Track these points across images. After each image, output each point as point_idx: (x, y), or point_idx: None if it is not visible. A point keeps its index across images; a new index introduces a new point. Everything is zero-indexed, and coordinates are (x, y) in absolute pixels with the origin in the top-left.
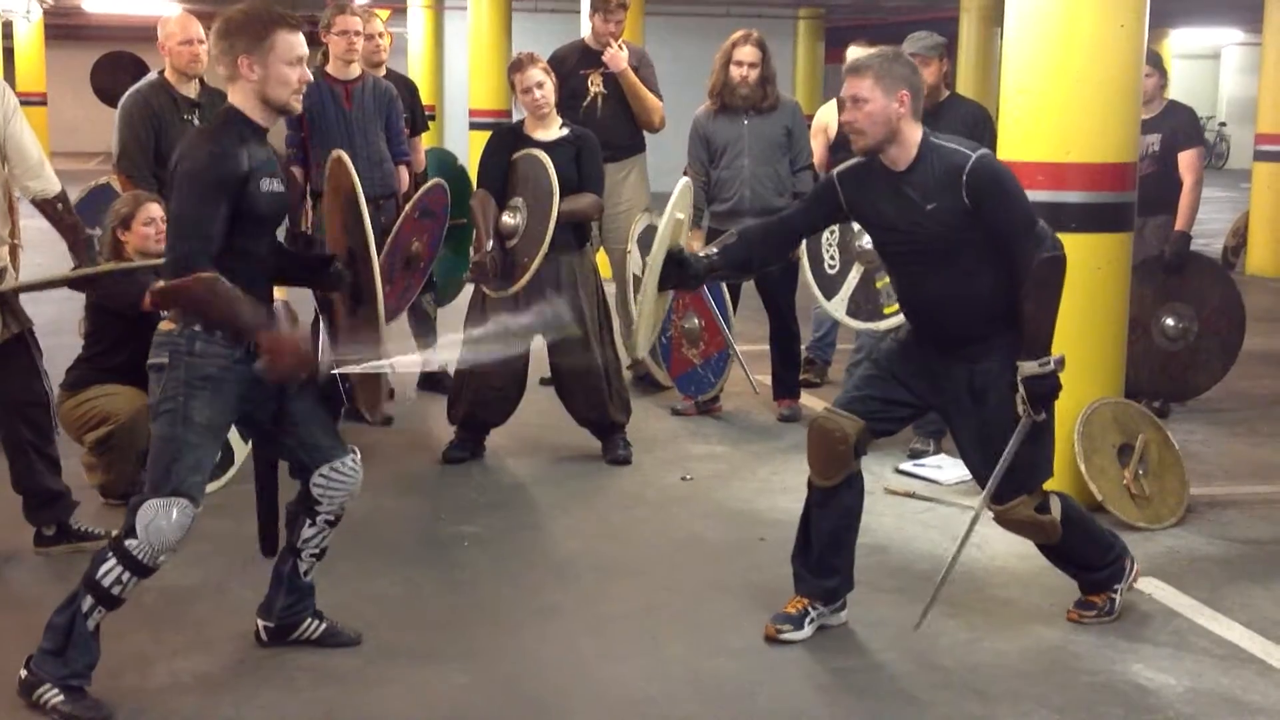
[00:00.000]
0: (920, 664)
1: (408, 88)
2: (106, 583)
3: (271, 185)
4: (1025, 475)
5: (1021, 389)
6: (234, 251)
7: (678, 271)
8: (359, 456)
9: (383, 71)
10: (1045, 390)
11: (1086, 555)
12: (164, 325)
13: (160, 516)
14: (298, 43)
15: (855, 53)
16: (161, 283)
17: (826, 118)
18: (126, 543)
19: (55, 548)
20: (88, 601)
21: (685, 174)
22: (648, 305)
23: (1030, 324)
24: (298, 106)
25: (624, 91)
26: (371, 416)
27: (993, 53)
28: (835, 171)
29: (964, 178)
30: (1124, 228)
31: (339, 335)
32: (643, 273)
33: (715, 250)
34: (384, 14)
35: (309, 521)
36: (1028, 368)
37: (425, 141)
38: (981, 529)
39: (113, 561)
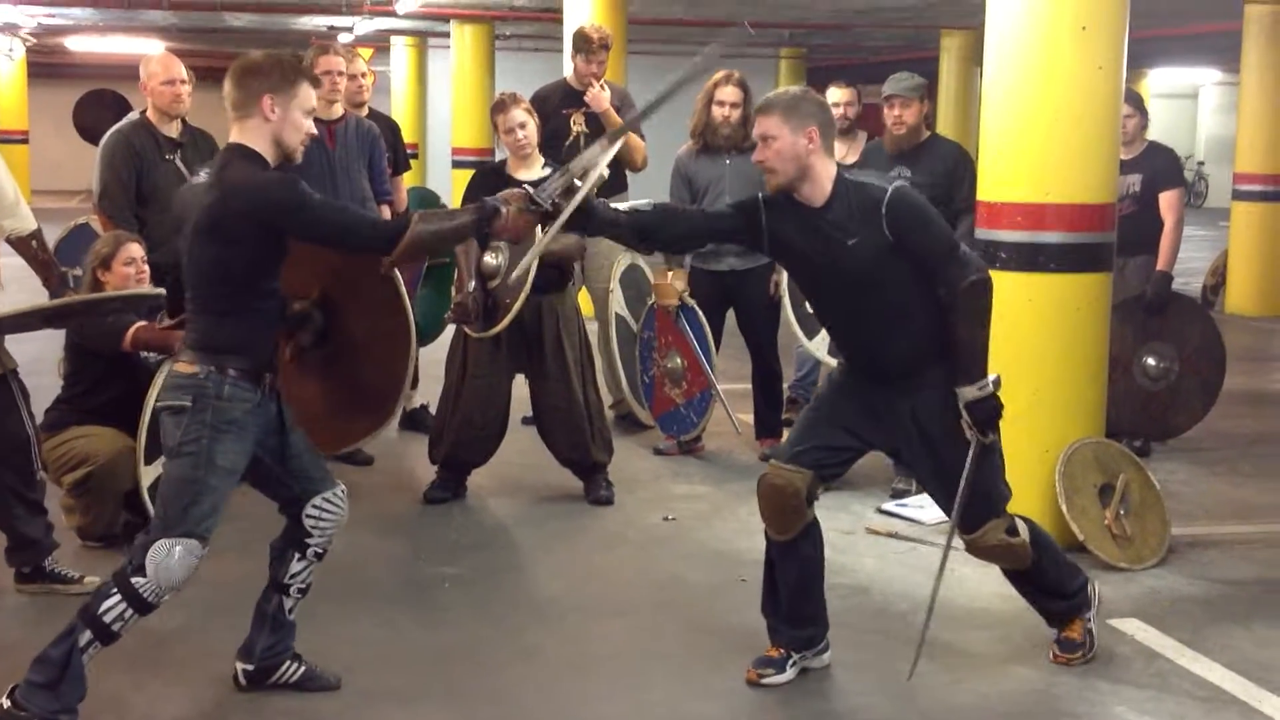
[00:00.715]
0: (902, 706)
1: (389, 127)
2: (108, 619)
3: None
4: (987, 500)
5: (965, 414)
6: (257, 290)
7: (580, 215)
8: (345, 489)
9: (365, 111)
10: (988, 412)
11: (1058, 579)
12: (184, 367)
13: (171, 555)
14: (313, 96)
15: (835, 94)
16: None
17: None
18: (134, 580)
19: (29, 586)
20: (86, 636)
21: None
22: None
23: (963, 349)
24: (299, 157)
25: (606, 131)
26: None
27: (973, 93)
28: (763, 195)
29: (883, 210)
30: (1103, 268)
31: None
32: (629, 310)
33: (624, 208)
34: (367, 53)
35: (298, 555)
36: (967, 393)
37: (407, 180)
38: (960, 569)
39: (117, 598)
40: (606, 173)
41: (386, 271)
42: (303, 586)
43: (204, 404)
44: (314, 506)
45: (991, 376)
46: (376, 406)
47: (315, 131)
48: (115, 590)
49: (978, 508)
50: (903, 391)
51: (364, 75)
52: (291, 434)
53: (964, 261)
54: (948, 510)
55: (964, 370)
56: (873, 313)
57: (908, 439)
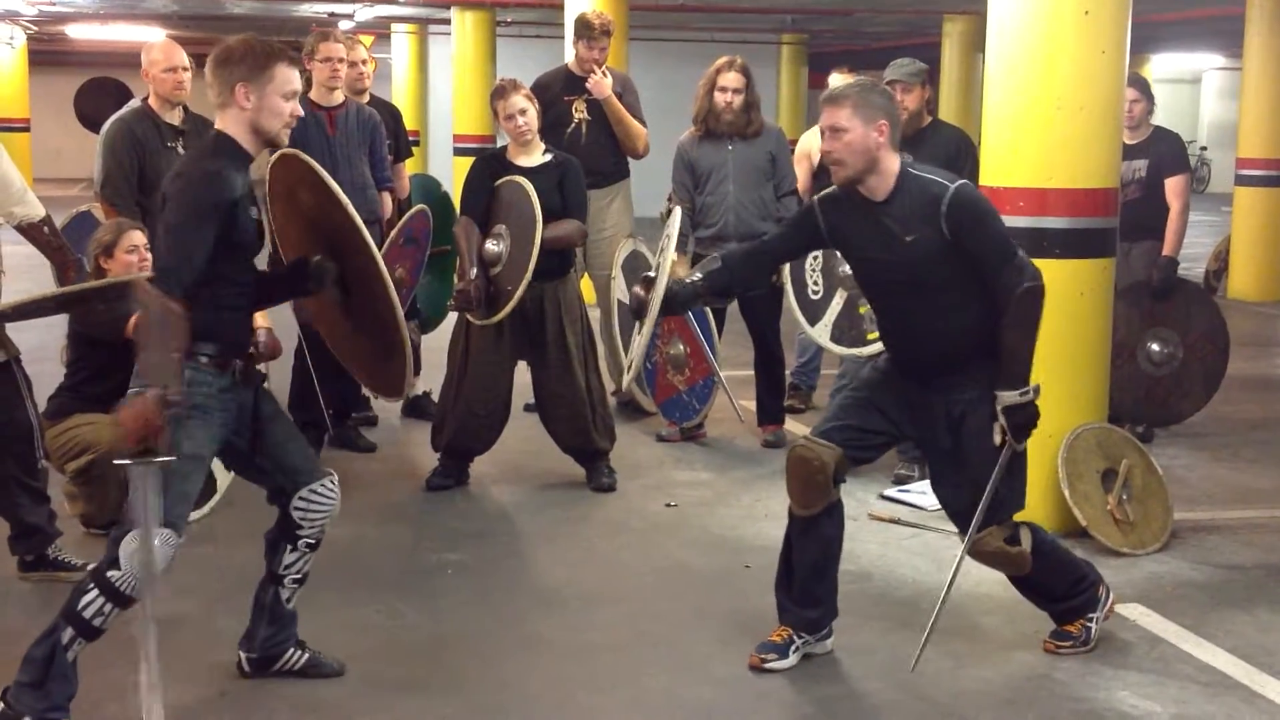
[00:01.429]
0: (905, 692)
1: (391, 113)
2: (88, 614)
3: (253, 213)
4: (996, 507)
5: (1002, 418)
6: (222, 279)
7: (665, 302)
8: (336, 479)
9: (366, 98)
10: (1025, 419)
11: (1056, 586)
12: None
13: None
14: (294, 77)
15: (837, 80)
16: (146, 280)
17: (810, 144)
18: (109, 574)
19: (32, 574)
20: (68, 633)
21: (669, 200)
22: (644, 341)
23: (1010, 354)
24: (285, 139)
25: (608, 118)
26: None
27: (975, 78)
28: (816, 198)
29: (943, 208)
30: (1106, 253)
31: (337, 340)
32: (628, 293)
33: (699, 275)
34: (368, 40)
35: (290, 547)
36: (1007, 397)
37: (409, 168)
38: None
39: (94, 593)
40: (671, 258)
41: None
42: (298, 577)
43: None
44: (300, 499)
45: (1033, 385)
46: (394, 338)
47: (300, 112)
48: (92, 585)
49: (984, 512)
50: (941, 388)
51: (365, 62)
52: (272, 424)
53: (1020, 267)
54: (950, 509)
55: (1007, 375)
56: (921, 309)
57: (934, 432)
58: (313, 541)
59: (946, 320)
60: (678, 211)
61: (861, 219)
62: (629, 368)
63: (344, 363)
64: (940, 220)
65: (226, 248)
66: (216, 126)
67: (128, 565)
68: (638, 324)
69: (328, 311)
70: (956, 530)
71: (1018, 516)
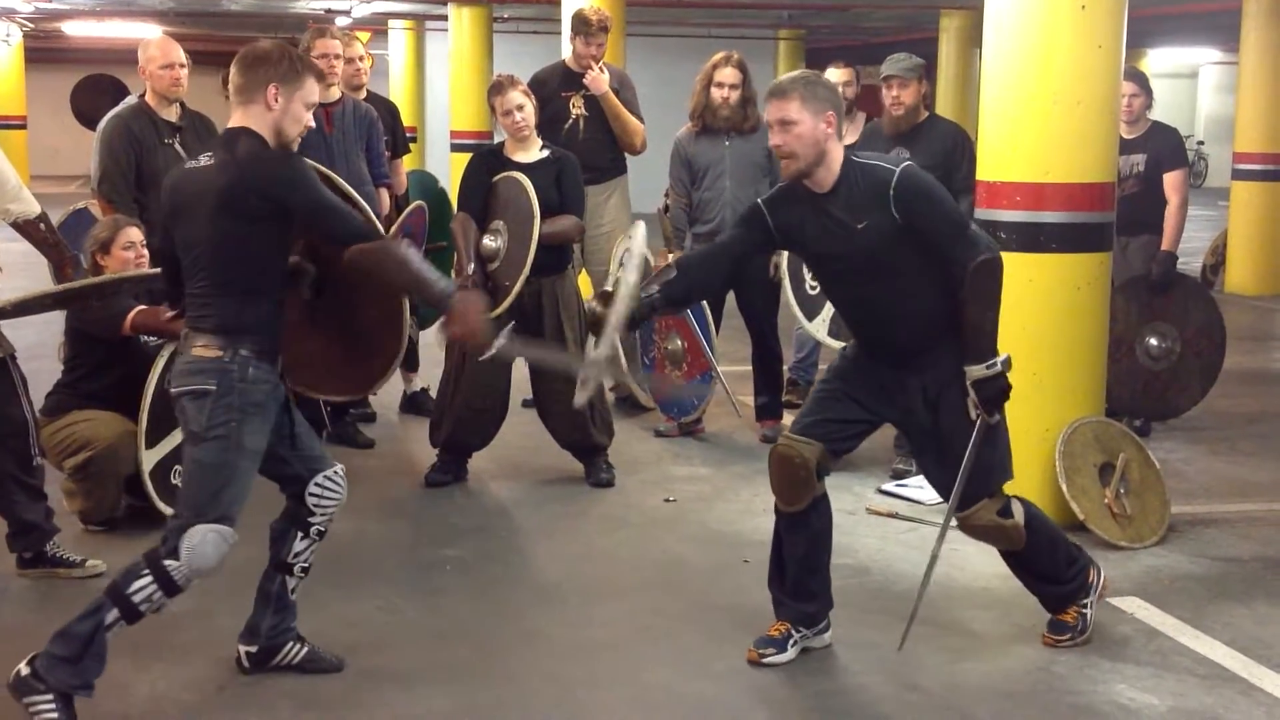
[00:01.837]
0: (903, 686)
1: (388, 109)
2: (137, 599)
3: None
4: (983, 478)
5: (972, 393)
6: (277, 271)
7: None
8: (344, 469)
9: (363, 94)
10: (995, 391)
11: (1052, 564)
12: (203, 351)
13: (206, 541)
14: (317, 91)
15: (833, 75)
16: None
17: None
18: (166, 563)
19: (31, 570)
20: (113, 614)
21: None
22: (600, 357)
23: (972, 328)
24: (295, 148)
25: (605, 114)
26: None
27: (972, 73)
28: (761, 199)
29: (891, 191)
30: (1103, 247)
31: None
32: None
33: (656, 289)
34: (364, 36)
35: (301, 534)
36: (975, 371)
37: (406, 164)
38: (962, 549)
39: (149, 579)
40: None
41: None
42: (305, 565)
43: (229, 387)
44: (316, 485)
45: (1001, 356)
46: (387, 340)
47: (313, 124)
48: (147, 571)
49: (972, 486)
50: (914, 369)
51: (361, 59)
52: (293, 414)
53: (973, 241)
54: (941, 488)
55: (973, 349)
56: (882, 295)
57: (915, 414)
58: (322, 529)
59: (907, 304)
60: (640, 229)
61: (809, 213)
62: (581, 384)
63: (293, 368)
64: (890, 203)
65: (285, 236)
66: (235, 123)
67: (187, 557)
68: (592, 339)
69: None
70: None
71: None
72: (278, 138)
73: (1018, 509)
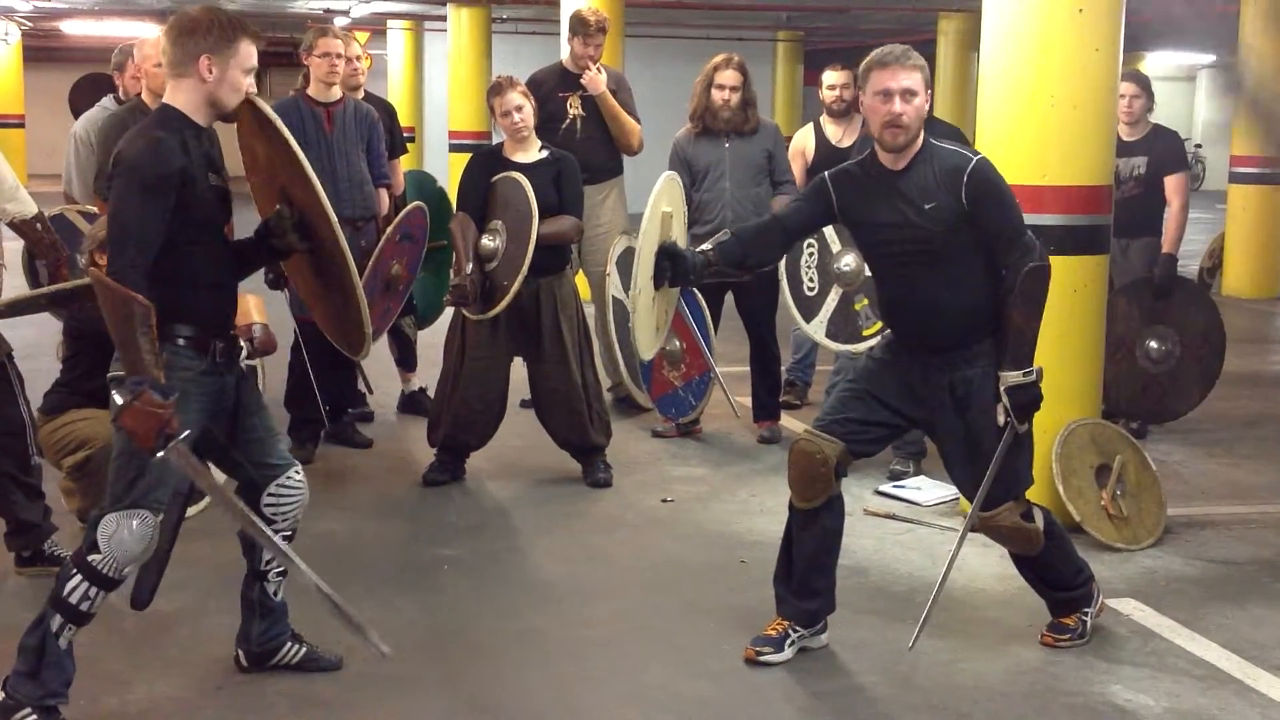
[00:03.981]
0: (901, 686)
1: (385, 110)
2: (74, 600)
3: (217, 181)
4: (1010, 482)
5: (1005, 399)
6: (189, 254)
7: (672, 266)
8: (301, 467)
9: (361, 94)
10: (1027, 400)
11: (1062, 572)
12: None
13: (122, 529)
14: (254, 53)
15: (831, 76)
16: (102, 274)
17: (804, 141)
18: (90, 558)
19: (29, 569)
20: (56, 620)
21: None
22: (643, 300)
23: (1016, 332)
24: (236, 114)
25: (602, 114)
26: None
27: (970, 76)
28: (828, 173)
29: (965, 178)
30: (1101, 250)
31: (314, 301)
32: (625, 290)
33: (710, 246)
34: (363, 36)
35: None
36: (1011, 377)
37: (404, 164)
38: (962, 550)
39: (78, 578)
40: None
41: None
42: (280, 570)
43: None
44: (270, 494)
45: (1036, 367)
46: (355, 316)
47: (253, 88)
48: (75, 570)
49: (999, 488)
50: (945, 365)
51: (359, 59)
52: (252, 417)
53: (1029, 246)
54: (965, 490)
55: (1012, 354)
56: (932, 280)
57: (943, 413)
58: (289, 533)
59: (953, 291)
60: (667, 175)
61: (877, 189)
62: (635, 331)
63: (321, 325)
64: (962, 189)
65: (186, 221)
66: (166, 99)
67: (107, 548)
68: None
69: (301, 270)
70: (964, 510)
71: None
72: (214, 109)
73: (1038, 515)
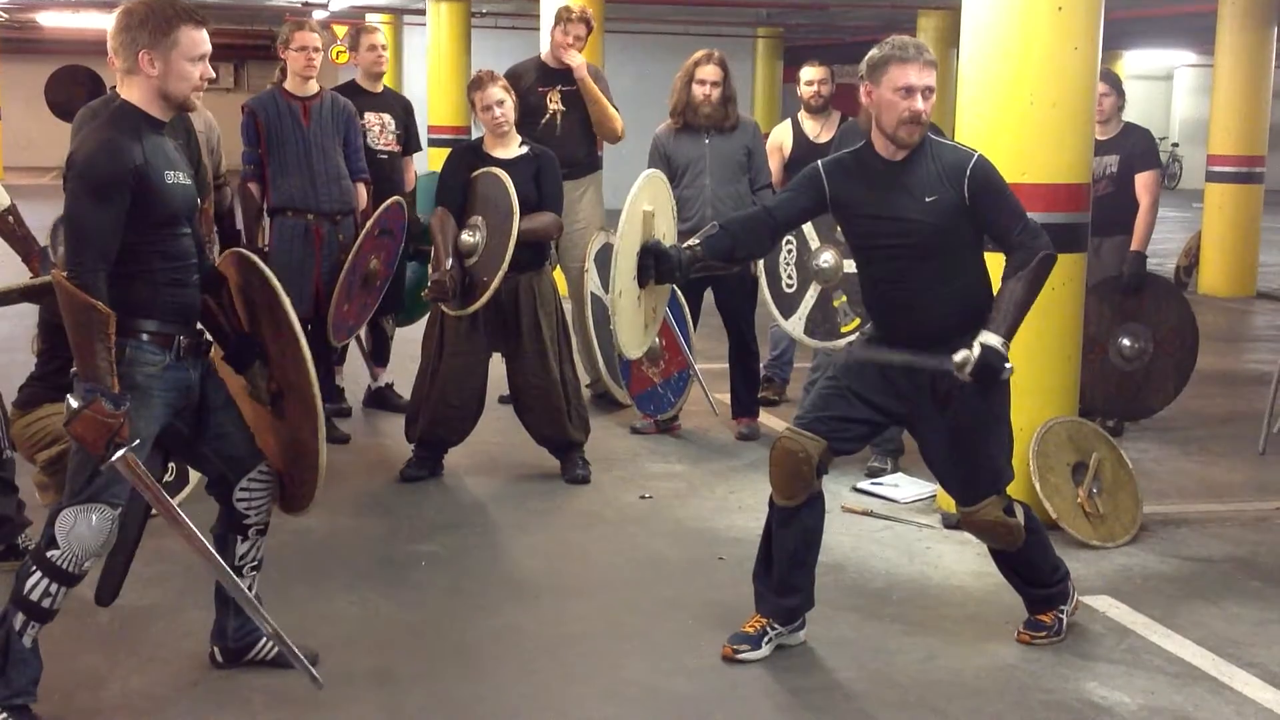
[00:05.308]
0: (877, 682)
1: (404, 106)
2: (35, 596)
3: (176, 178)
4: (992, 476)
5: (975, 349)
6: (151, 253)
7: (656, 264)
8: (269, 462)
9: (380, 86)
10: (994, 366)
11: (1041, 568)
12: None
13: (80, 523)
14: (201, 39)
15: (809, 73)
16: (64, 277)
17: (781, 136)
18: (49, 553)
19: (3, 563)
20: (19, 618)
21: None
22: (625, 301)
23: (1015, 304)
24: (195, 104)
25: (583, 105)
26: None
27: (949, 74)
28: (821, 163)
29: (967, 172)
30: (1079, 248)
31: (271, 449)
32: (604, 287)
33: (697, 241)
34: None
35: (241, 538)
36: (990, 337)
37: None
38: (936, 547)
39: (38, 574)
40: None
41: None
42: (255, 564)
43: None
44: (242, 490)
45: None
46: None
47: (212, 74)
48: (35, 568)
49: (982, 483)
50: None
51: (384, 47)
52: (218, 413)
53: (1036, 232)
54: (948, 485)
55: (1002, 319)
56: (923, 272)
57: (921, 409)
58: (261, 528)
59: (943, 287)
60: (649, 173)
61: (874, 181)
62: (617, 332)
63: (264, 450)
64: (963, 183)
65: (145, 220)
66: (121, 94)
67: (66, 543)
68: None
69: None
70: (943, 506)
71: None
72: (167, 101)
73: (1019, 510)
